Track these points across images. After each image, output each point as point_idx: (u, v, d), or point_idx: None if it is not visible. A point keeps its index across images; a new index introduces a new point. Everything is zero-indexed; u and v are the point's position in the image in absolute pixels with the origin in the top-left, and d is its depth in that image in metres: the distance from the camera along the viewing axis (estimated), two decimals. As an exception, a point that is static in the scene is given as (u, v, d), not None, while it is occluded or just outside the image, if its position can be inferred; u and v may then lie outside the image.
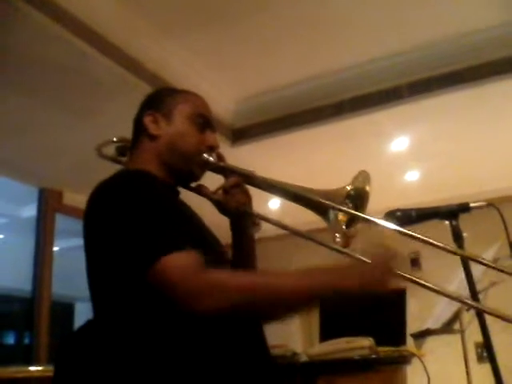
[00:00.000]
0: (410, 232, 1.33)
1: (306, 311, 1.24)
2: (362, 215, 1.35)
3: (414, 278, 1.25)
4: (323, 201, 1.36)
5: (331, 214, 1.36)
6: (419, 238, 1.31)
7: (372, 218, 1.34)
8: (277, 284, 1.14)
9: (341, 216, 1.37)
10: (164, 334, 1.15)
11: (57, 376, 1.27)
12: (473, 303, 1.51)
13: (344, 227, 1.38)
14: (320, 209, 1.38)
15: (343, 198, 1.35)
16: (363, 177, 1.41)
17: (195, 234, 1.23)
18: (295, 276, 1.17)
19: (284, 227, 1.41)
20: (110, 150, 1.58)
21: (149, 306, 1.14)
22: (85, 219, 1.27)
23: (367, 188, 1.41)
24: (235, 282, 1.12)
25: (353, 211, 1.36)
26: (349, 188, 1.36)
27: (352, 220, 1.39)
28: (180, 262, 1.10)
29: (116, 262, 1.18)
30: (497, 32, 3.50)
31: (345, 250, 1.32)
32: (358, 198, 1.39)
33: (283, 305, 1.17)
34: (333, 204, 1.34)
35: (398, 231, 1.33)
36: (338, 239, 1.36)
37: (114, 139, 1.57)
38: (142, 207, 1.18)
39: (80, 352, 1.25)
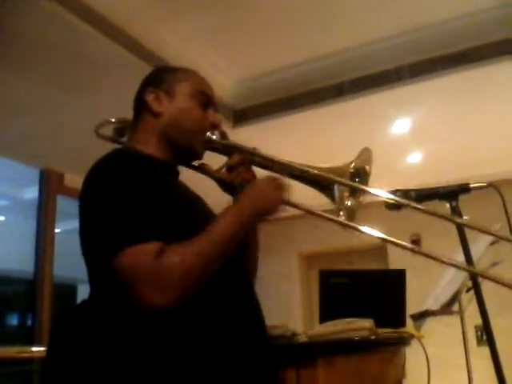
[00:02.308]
0: (413, 204, 1.32)
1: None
2: (370, 189, 1.35)
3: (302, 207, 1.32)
4: (332, 176, 1.36)
5: (336, 190, 1.36)
6: (419, 208, 1.30)
7: (377, 192, 1.33)
8: (204, 252, 1.16)
9: (345, 193, 1.37)
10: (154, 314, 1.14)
11: (48, 356, 1.27)
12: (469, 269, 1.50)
13: (348, 203, 1.37)
14: (324, 186, 1.37)
15: (348, 174, 1.34)
16: (367, 155, 1.41)
17: (179, 218, 1.23)
18: (211, 232, 1.19)
19: (289, 204, 1.41)
20: (109, 131, 1.57)
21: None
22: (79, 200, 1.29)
23: (369, 166, 1.41)
24: (173, 268, 1.11)
25: (361, 186, 1.36)
26: (353, 164, 1.35)
27: (355, 195, 1.39)
28: (130, 262, 1.10)
29: (91, 248, 1.23)
30: (500, 12, 3.47)
31: (351, 224, 1.34)
32: (360, 175, 1.38)
33: (215, 260, 1.19)
34: (341, 180, 1.34)
35: (399, 205, 1.33)
36: (342, 215, 1.35)
37: (112, 120, 1.56)
38: (115, 197, 1.18)
39: (71, 332, 1.25)
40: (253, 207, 1.27)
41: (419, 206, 1.31)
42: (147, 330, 1.16)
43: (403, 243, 1.26)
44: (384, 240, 1.28)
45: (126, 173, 1.22)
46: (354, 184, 1.36)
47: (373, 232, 1.28)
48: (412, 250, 1.25)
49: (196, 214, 1.35)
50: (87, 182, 1.26)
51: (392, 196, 1.35)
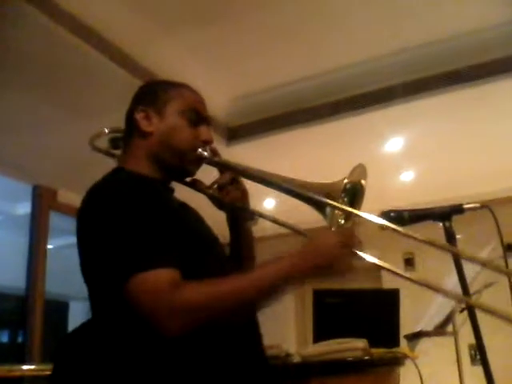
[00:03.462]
0: (403, 231, 1.31)
1: (276, 300, 1.18)
2: (359, 213, 1.32)
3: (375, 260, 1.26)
4: (319, 198, 1.33)
5: (328, 208, 1.34)
6: (413, 237, 1.29)
7: (369, 216, 1.31)
8: (238, 290, 1.14)
9: (338, 212, 1.36)
10: (157, 337, 1.14)
11: (53, 377, 1.26)
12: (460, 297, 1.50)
13: (341, 221, 1.36)
14: (316, 203, 1.36)
15: (340, 192, 1.31)
16: (360, 170, 1.39)
17: (185, 237, 1.22)
18: (254, 275, 1.18)
19: (279, 223, 1.40)
20: (104, 143, 1.56)
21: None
22: (77, 222, 1.27)
23: (363, 182, 1.39)
24: (198, 300, 1.11)
25: (350, 209, 1.33)
26: (346, 181, 1.33)
27: (348, 216, 1.37)
28: (149, 283, 1.09)
29: (100, 270, 1.19)
30: (494, 32, 3.50)
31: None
32: (355, 191, 1.37)
33: (248, 307, 1.18)
34: (329, 201, 1.31)
35: (394, 229, 1.31)
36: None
37: (107, 130, 1.55)
38: (125, 220, 1.17)
39: (76, 353, 1.25)
40: (310, 263, 1.17)
41: (414, 235, 1.29)
42: (150, 351, 1.15)
43: (395, 269, 1.24)
44: (377, 265, 1.26)
45: (130, 197, 1.21)
46: (342, 207, 1.32)
47: (365, 256, 1.26)
48: (403, 277, 1.24)
49: (201, 234, 1.35)
50: (87, 208, 1.25)
51: (384, 221, 1.33)
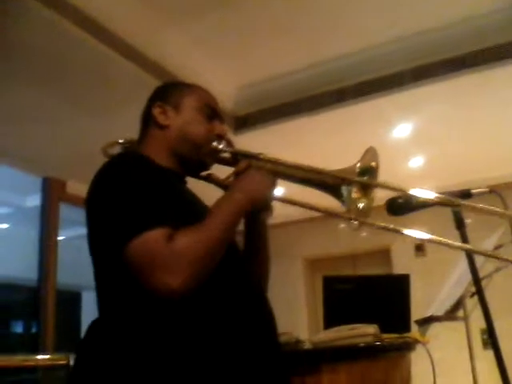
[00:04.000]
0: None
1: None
2: (386, 184, 1.36)
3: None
4: (347, 175, 1.35)
5: (344, 191, 1.36)
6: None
7: (396, 186, 1.33)
8: (216, 230, 1.21)
9: (353, 194, 1.36)
10: (168, 320, 1.16)
11: (74, 372, 1.28)
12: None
13: (359, 205, 1.37)
14: (333, 188, 1.37)
15: (355, 175, 1.35)
16: (372, 153, 1.41)
17: (183, 212, 1.25)
18: (215, 218, 1.24)
19: (304, 206, 1.42)
20: (117, 150, 1.58)
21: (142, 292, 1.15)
22: (86, 196, 1.31)
23: (375, 164, 1.41)
24: (185, 251, 1.14)
25: (373, 182, 1.36)
26: (358, 165, 1.35)
27: (366, 194, 1.38)
28: (145, 244, 1.13)
29: (102, 243, 1.24)
30: (500, 16, 3.47)
31: (363, 220, 1.35)
32: (368, 173, 1.39)
33: (221, 245, 1.23)
34: (353, 177, 1.34)
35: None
36: (352, 216, 1.35)
37: (120, 141, 1.58)
38: (121, 193, 1.21)
39: (90, 347, 1.26)
40: (247, 192, 1.32)
41: (465, 203, 1.30)
42: (160, 335, 1.17)
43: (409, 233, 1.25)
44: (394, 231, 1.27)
45: (132, 171, 1.25)
46: (364, 180, 1.35)
47: (387, 227, 1.28)
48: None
49: (198, 210, 1.36)
50: (94, 183, 1.28)
51: (434, 194, 1.35)
